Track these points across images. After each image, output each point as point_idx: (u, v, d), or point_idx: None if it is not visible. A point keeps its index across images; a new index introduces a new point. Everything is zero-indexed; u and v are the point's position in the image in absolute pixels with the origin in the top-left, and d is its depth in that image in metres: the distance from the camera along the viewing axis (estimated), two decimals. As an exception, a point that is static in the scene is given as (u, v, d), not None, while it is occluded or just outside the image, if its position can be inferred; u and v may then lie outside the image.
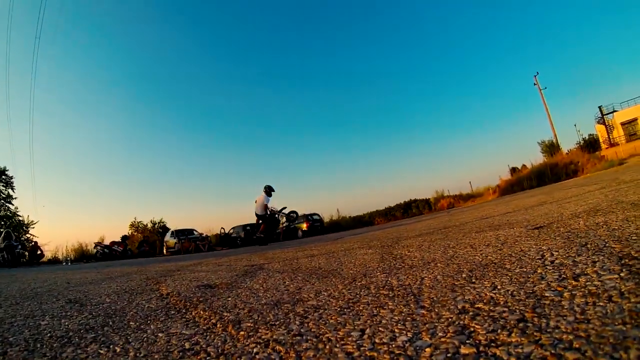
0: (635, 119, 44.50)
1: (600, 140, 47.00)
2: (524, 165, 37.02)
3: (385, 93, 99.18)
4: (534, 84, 41.34)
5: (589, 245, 1.60)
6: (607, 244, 1.52)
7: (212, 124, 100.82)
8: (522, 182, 29.28)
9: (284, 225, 30.58)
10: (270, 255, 5.21)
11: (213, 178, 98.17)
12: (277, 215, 15.12)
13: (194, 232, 27.44)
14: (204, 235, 26.99)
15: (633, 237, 1.53)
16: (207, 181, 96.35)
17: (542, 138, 42.41)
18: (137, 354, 1.28)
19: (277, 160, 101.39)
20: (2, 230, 20.14)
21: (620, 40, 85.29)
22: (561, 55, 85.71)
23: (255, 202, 14.24)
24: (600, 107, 45.93)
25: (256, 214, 14.22)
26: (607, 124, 45.96)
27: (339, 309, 1.52)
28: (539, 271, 1.40)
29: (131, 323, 1.79)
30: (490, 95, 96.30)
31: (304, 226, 29.73)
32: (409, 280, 1.85)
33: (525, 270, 1.48)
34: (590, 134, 51.02)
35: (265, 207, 13.82)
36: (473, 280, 1.52)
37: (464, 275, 1.67)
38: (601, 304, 0.93)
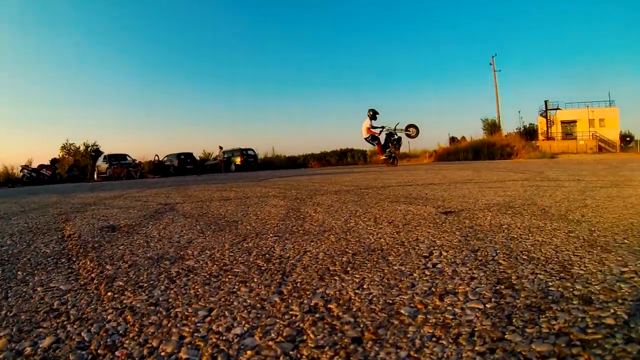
0: (575, 121, 48.08)
1: (539, 132, 49.91)
2: (463, 138, 38.15)
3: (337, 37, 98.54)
4: (490, 64, 42.29)
5: (479, 253, 1.51)
6: (495, 257, 1.44)
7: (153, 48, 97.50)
8: (459, 153, 30.25)
9: (225, 157, 30.42)
10: (189, 193, 5.09)
11: (153, 104, 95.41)
12: (381, 133, 15.12)
13: (127, 157, 26.73)
14: (137, 161, 26.33)
15: (522, 256, 1.46)
16: (148, 106, 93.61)
17: (487, 116, 43.92)
18: (8, 314, 1.19)
19: (219, 90, 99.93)
20: None
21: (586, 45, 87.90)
22: (525, 44, 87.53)
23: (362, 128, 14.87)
24: (546, 102, 49.19)
25: (365, 139, 15.21)
26: (548, 118, 49.31)
27: (207, 277, 1.46)
28: (415, 274, 1.30)
29: (19, 273, 1.71)
30: (448, 62, 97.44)
31: (238, 160, 29.96)
32: (292, 251, 1.76)
33: (403, 269, 1.37)
34: (531, 124, 53.49)
35: (368, 129, 14.62)
36: (348, 269, 1.41)
37: (344, 259, 1.56)
38: (443, 342, 0.83)
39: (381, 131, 14.83)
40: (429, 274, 1.31)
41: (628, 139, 58.17)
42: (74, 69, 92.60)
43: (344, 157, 37.68)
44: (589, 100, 50.40)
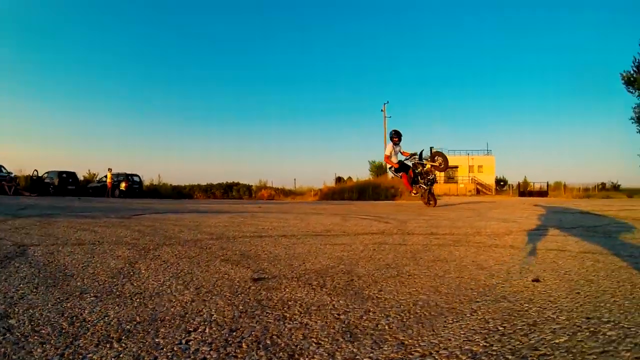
0: (456, 166, 53.40)
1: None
2: (350, 178, 39.43)
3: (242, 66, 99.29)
4: (381, 110, 45.14)
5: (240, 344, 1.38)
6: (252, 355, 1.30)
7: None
8: (344, 192, 30.93)
9: (113, 181, 28.99)
10: (51, 231, 4.44)
11: (35, 110, 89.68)
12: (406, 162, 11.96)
13: (2, 169, 24.68)
14: (13, 175, 24.17)
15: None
16: (29, 113, 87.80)
17: (374, 159, 45.95)
18: None
19: (110, 111, 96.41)
20: None
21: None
22: (416, 94, 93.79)
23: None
24: (431, 148, 51.31)
25: (388, 169, 13.23)
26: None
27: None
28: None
29: None
30: (345, 108, 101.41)
31: (123, 185, 28.63)
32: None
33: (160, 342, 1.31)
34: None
35: (386, 158, 11.83)
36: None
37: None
38: None
39: (407, 159, 12.05)
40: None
41: (502, 183, 64.11)
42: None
43: (229, 191, 37.33)
44: (470, 149, 57.12)
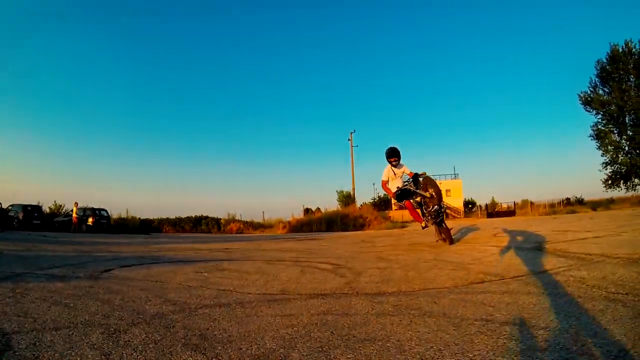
0: None
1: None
2: (318, 209, 39.83)
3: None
4: (348, 139, 45.55)
5: None
6: None
7: None
8: (312, 224, 31.21)
9: (79, 216, 28.38)
10: (27, 304, 4.52)
11: None
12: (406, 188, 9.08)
13: None
14: None
15: None
16: None
17: (342, 188, 46.21)
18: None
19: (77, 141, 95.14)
20: None
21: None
22: (381, 121, 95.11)
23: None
24: (416, 174, 51.78)
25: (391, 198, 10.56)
26: None
27: None
28: None
29: None
30: (304, 136, 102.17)
31: (90, 221, 28.27)
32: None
33: None
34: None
35: (384, 185, 9.61)
36: None
37: None
38: None
39: (407, 182, 9.25)
40: None
41: (470, 205, 64.54)
42: None
43: (198, 224, 37.23)
44: (438, 174, 56.60)
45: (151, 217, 38.29)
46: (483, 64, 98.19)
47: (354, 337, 2.55)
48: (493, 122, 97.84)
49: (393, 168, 9.10)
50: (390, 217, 36.94)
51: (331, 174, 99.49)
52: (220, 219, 38.32)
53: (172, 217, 38.82)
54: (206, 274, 5.37)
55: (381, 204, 52.00)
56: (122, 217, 35.68)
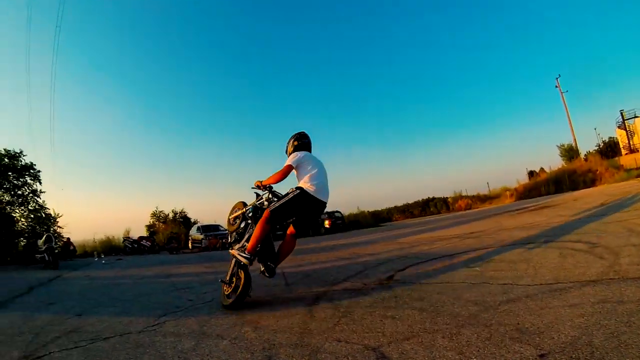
0: None
1: (620, 145, 46.53)
2: (542, 170, 37.65)
3: (402, 91, 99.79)
4: (556, 87, 41.68)
5: None
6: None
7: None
8: (539, 187, 29.98)
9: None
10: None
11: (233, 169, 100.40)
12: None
13: (220, 228, 28.19)
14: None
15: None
16: (230, 172, 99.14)
17: (562, 142, 42.57)
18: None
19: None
20: (44, 233, 21.29)
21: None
22: (584, 55, 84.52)
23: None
24: (621, 111, 45.28)
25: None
26: (627, 129, 44.97)
27: None
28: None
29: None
30: (511, 96, 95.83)
31: (327, 223, 30.73)
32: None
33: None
34: (611, 137, 50.57)
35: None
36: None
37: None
38: None
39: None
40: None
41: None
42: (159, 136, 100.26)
43: (426, 207, 37.89)
44: None
45: (379, 209, 39.28)
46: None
47: (634, 323, 2.80)
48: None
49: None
50: (621, 165, 33.36)
51: (546, 129, 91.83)
52: (448, 197, 38.95)
53: (400, 204, 40.20)
54: (477, 269, 5.77)
55: (608, 151, 46.34)
56: (354, 213, 37.60)
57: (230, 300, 5.16)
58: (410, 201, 39.87)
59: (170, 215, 41.62)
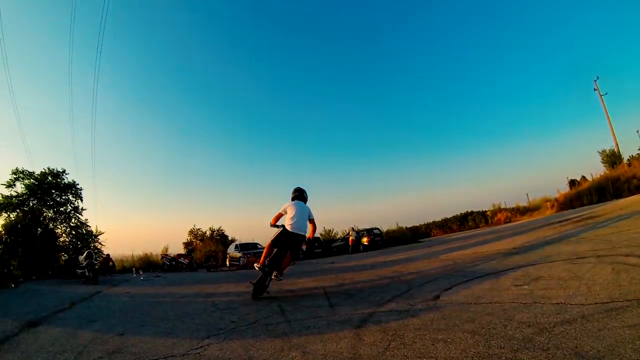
0: None
1: None
2: (583, 178, 36.86)
3: (436, 99, 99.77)
4: (594, 89, 40.86)
5: None
6: None
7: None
8: (582, 196, 29.35)
9: (355, 237, 32.19)
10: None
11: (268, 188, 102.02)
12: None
13: (258, 245, 28.54)
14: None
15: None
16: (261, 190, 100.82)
17: (603, 147, 41.34)
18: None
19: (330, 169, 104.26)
20: (84, 249, 22.14)
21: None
22: (622, 52, 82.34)
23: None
24: None
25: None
26: None
27: None
28: None
29: None
30: (547, 102, 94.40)
31: (365, 240, 31.02)
32: None
33: None
34: None
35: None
36: None
37: None
38: None
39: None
40: None
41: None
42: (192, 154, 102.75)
43: (465, 221, 37.67)
44: None
45: (417, 224, 39.31)
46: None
47: None
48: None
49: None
50: None
51: (586, 135, 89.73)
52: (486, 211, 38.39)
53: (438, 219, 39.99)
54: (526, 287, 5.58)
55: None
56: (392, 229, 37.58)
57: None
58: (449, 215, 39.72)
59: (208, 233, 42.10)
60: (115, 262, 28.94)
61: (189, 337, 5.11)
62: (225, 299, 9.05)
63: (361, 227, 34.18)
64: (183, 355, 4.28)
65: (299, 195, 9.06)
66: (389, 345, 3.83)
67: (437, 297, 6.02)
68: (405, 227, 37.87)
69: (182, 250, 35.92)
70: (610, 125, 40.21)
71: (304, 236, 8.44)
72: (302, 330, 4.90)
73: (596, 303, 4.22)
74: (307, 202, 9.14)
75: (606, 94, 40.95)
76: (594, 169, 55.42)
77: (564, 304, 4.41)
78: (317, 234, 37.26)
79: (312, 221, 8.75)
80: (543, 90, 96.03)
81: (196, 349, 4.47)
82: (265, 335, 4.88)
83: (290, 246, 8.34)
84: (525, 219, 32.15)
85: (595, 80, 41.46)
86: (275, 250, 8.35)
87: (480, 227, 36.10)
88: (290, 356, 3.89)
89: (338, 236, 38.68)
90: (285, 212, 8.56)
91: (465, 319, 4.42)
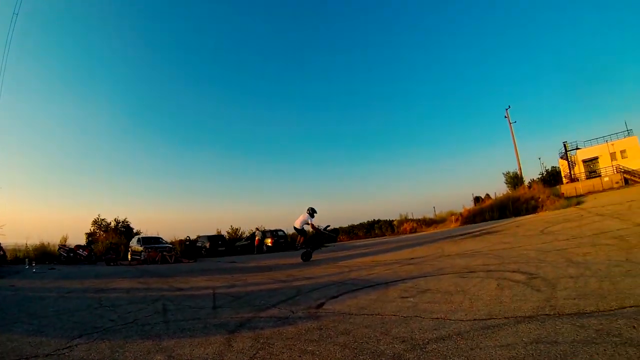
0: (596, 158, 48.15)
1: (562, 175, 50.15)
2: (487, 196, 39.13)
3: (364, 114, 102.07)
4: (505, 117, 43.63)
5: None
6: None
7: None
8: (484, 213, 30.77)
9: (260, 237, 32.37)
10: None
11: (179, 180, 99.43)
12: (323, 231, 16.19)
13: (161, 240, 27.67)
14: (171, 245, 27.28)
15: None
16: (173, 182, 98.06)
17: (508, 169, 44.58)
18: None
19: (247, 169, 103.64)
20: None
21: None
22: (534, 90, 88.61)
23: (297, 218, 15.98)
24: (564, 143, 49.53)
25: (294, 228, 16.27)
26: (569, 159, 49.76)
27: None
28: None
29: None
30: (461, 123, 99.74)
31: (269, 242, 31.21)
32: None
33: None
34: (553, 167, 54.23)
35: (307, 224, 15.94)
36: None
37: None
38: None
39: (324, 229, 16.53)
40: None
41: (656, 165, 56.20)
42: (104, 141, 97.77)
43: (371, 229, 38.37)
44: (607, 134, 50.09)
45: None
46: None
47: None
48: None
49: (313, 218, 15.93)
50: (562, 193, 34.90)
51: (493, 156, 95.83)
52: (393, 220, 39.31)
53: (345, 225, 40.46)
54: (412, 299, 5.58)
55: (550, 179, 48.79)
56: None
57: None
58: (356, 223, 40.29)
59: (112, 224, 40.03)
60: (7, 252, 26.07)
61: (59, 337, 4.83)
62: (113, 295, 8.73)
63: (267, 228, 34.33)
64: (47, 355, 4.04)
65: (312, 210, 15.84)
66: (255, 353, 3.72)
67: (321, 305, 5.95)
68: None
69: (84, 241, 33.83)
70: (516, 151, 42.98)
71: (296, 228, 16.11)
72: (175, 333, 4.76)
73: (475, 319, 4.21)
74: (305, 212, 15.85)
75: (515, 122, 43.98)
76: (498, 189, 58.74)
77: (444, 319, 4.38)
78: (223, 232, 37.91)
79: (306, 222, 15.79)
80: (463, 114, 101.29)
81: (63, 350, 4.22)
82: (138, 336, 4.69)
83: (299, 233, 16.45)
84: (430, 231, 33.42)
85: (507, 109, 44.18)
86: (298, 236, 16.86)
87: (386, 236, 37.02)
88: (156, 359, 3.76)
89: (245, 235, 38.25)
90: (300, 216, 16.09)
91: (341, 331, 4.31)
